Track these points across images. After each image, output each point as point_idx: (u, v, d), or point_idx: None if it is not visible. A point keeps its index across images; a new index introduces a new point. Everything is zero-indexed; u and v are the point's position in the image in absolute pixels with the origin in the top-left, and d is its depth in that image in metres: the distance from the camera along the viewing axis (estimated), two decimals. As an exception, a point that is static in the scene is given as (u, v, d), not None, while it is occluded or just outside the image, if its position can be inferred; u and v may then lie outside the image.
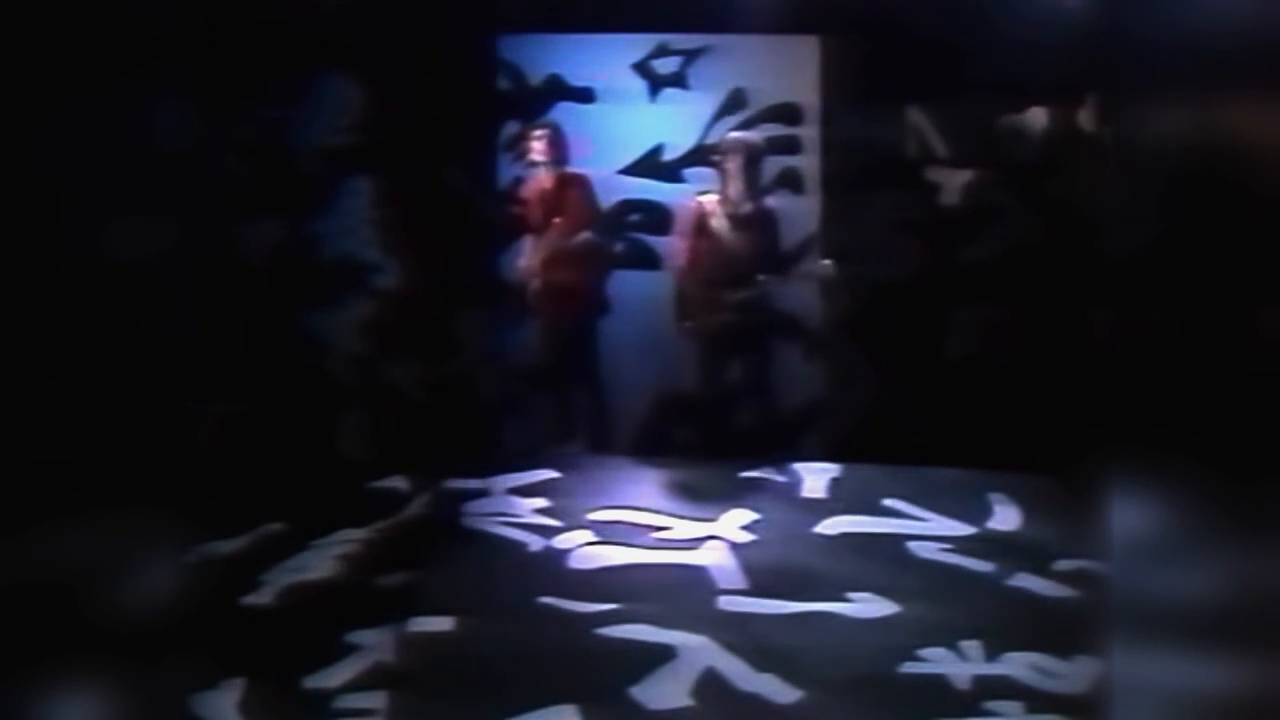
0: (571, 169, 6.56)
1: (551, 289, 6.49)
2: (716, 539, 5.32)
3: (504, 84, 6.83)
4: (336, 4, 6.51)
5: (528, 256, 6.56)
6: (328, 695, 3.99)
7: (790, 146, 6.76)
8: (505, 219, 6.71)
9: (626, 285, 6.74)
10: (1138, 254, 2.96)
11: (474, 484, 5.93)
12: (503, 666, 4.19)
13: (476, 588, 4.84)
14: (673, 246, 6.57)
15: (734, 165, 6.26)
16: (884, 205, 6.68)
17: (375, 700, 3.96)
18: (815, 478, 6.10)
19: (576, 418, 6.66)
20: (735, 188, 6.27)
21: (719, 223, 6.28)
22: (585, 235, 6.47)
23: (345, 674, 4.11)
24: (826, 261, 6.35)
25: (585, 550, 5.22)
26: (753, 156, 6.31)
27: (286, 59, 6.56)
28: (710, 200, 6.34)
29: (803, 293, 6.61)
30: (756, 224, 6.30)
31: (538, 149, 6.51)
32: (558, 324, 6.59)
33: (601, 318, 6.64)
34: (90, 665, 3.95)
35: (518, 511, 5.63)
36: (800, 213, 6.71)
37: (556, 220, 6.46)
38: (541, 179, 6.56)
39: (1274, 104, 2.74)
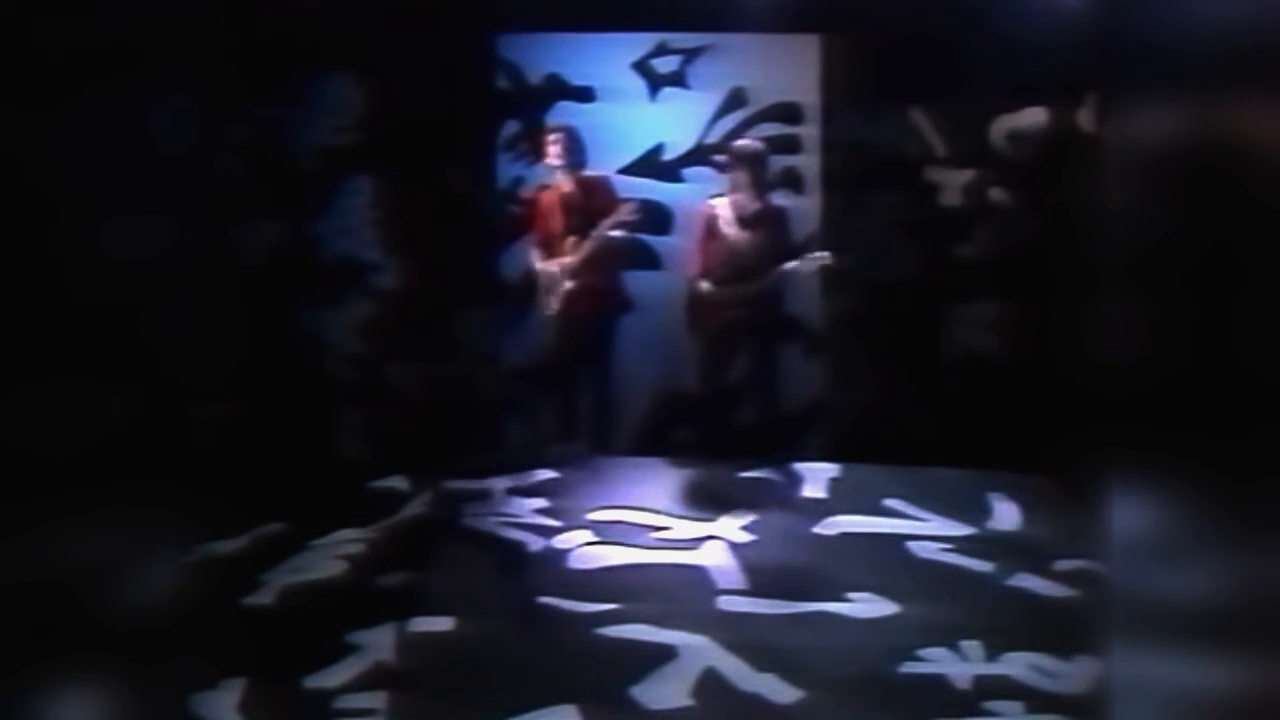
0: (591, 171, 6.55)
1: (584, 290, 6.47)
2: (716, 539, 5.32)
3: (504, 84, 6.83)
4: (336, 4, 6.51)
5: (555, 260, 6.50)
6: (328, 695, 3.99)
7: (790, 146, 6.76)
8: (506, 219, 6.70)
9: (627, 285, 6.73)
10: (1137, 254, 2.96)
11: (474, 484, 5.94)
12: (503, 666, 4.19)
13: (476, 588, 4.84)
14: (684, 252, 6.56)
15: (740, 172, 6.31)
16: (884, 205, 6.68)
17: (375, 700, 3.96)
18: (815, 478, 6.11)
19: (585, 418, 6.66)
20: (743, 191, 6.32)
21: (729, 225, 6.33)
22: (619, 233, 6.43)
23: (345, 674, 4.11)
24: (824, 254, 6.36)
25: (585, 550, 5.22)
26: (759, 163, 6.35)
27: (286, 59, 6.56)
28: (721, 203, 6.37)
29: (803, 292, 6.60)
30: (767, 221, 6.35)
31: (554, 153, 6.49)
32: (584, 324, 6.55)
33: (624, 316, 6.62)
34: (90, 665, 3.95)
35: (518, 511, 5.63)
36: (800, 212, 6.70)
37: (583, 222, 6.43)
38: (559, 182, 6.53)
39: (1274, 104, 2.74)
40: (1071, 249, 6.31)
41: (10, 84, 6.02)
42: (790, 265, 6.27)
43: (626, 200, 6.46)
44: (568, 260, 6.44)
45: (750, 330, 6.35)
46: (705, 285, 6.33)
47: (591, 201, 6.47)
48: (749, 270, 6.28)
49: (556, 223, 6.49)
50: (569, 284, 6.44)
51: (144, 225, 6.26)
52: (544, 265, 6.52)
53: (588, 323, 6.54)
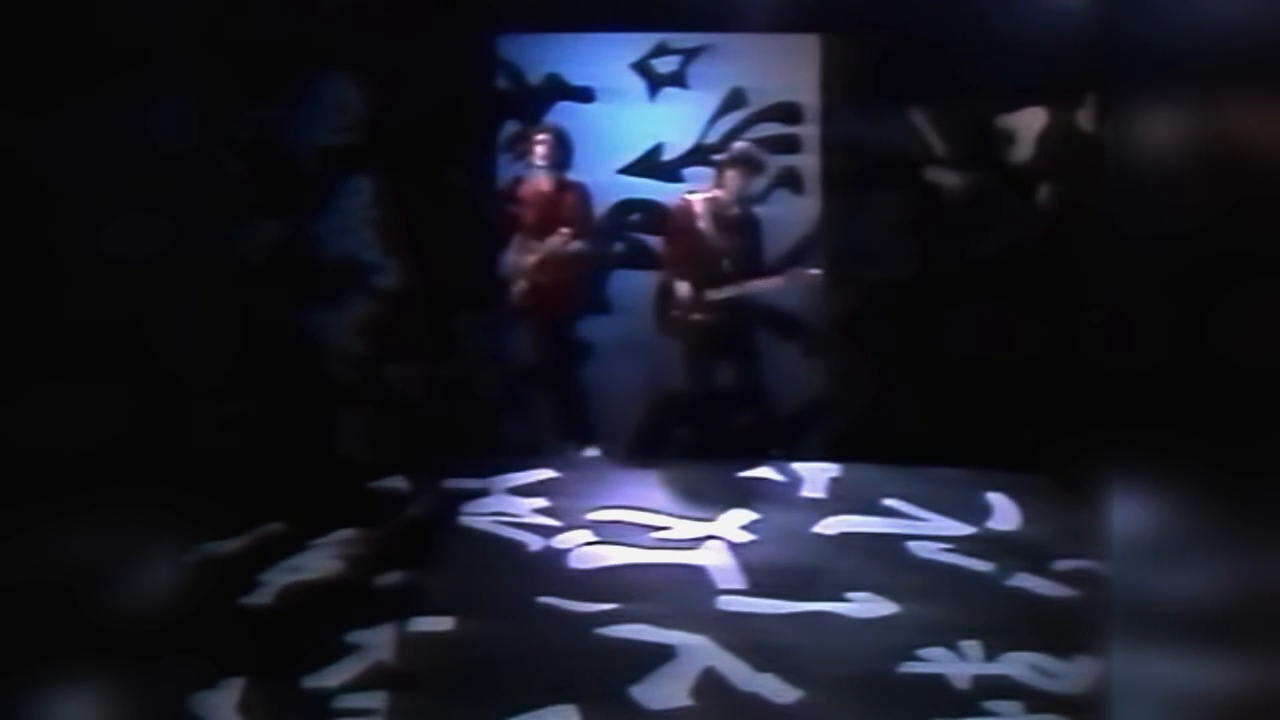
0: (570, 175, 6.57)
1: (538, 291, 6.51)
2: (716, 539, 5.32)
3: (504, 84, 6.83)
4: (336, 4, 6.51)
5: (518, 256, 6.56)
6: (328, 695, 3.99)
7: (790, 145, 6.76)
8: (502, 218, 6.71)
9: (625, 285, 6.74)
10: (1137, 254, 2.96)
11: (474, 484, 5.94)
12: (503, 666, 4.19)
13: (476, 588, 4.84)
14: (658, 243, 6.59)
15: (733, 174, 6.31)
16: (884, 205, 6.68)
17: (375, 700, 3.96)
18: (815, 478, 6.11)
19: (559, 417, 6.68)
20: (728, 193, 6.31)
21: (704, 223, 6.32)
22: (578, 244, 6.49)
23: (345, 674, 4.11)
24: (815, 270, 6.38)
25: (585, 550, 5.22)
26: (754, 170, 6.35)
27: (286, 59, 6.56)
28: (698, 199, 6.37)
29: (801, 292, 6.60)
30: (740, 228, 6.36)
31: (540, 153, 6.52)
32: (543, 325, 6.61)
33: (583, 319, 6.71)
34: (90, 665, 3.95)
35: (517, 511, 5.63)
36: (800, 212, 6.71)
37: (551, 224, 6.47)
38: (539, 181, 6.57)
39: (1274, 104, 2.74)
40: (1071, 249, 6.32)
41: (11, 84, 6.01)
42: (767, 282, 6.28)
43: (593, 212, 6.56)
44: (526, 260, 6.47)
45: (724, 333, 6.35)
46: (674, 282, 6.33)
47: (562, 206, 6.50)
48: (718, 274, 6.28)
49: (530, 220, 6.53)
50: (522, 284, 6.49)
51: (144, 225, 6.26)
52: (512, 258, 6.57)
53: (544, 322, 6.61)
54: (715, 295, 6.28)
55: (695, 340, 6.37)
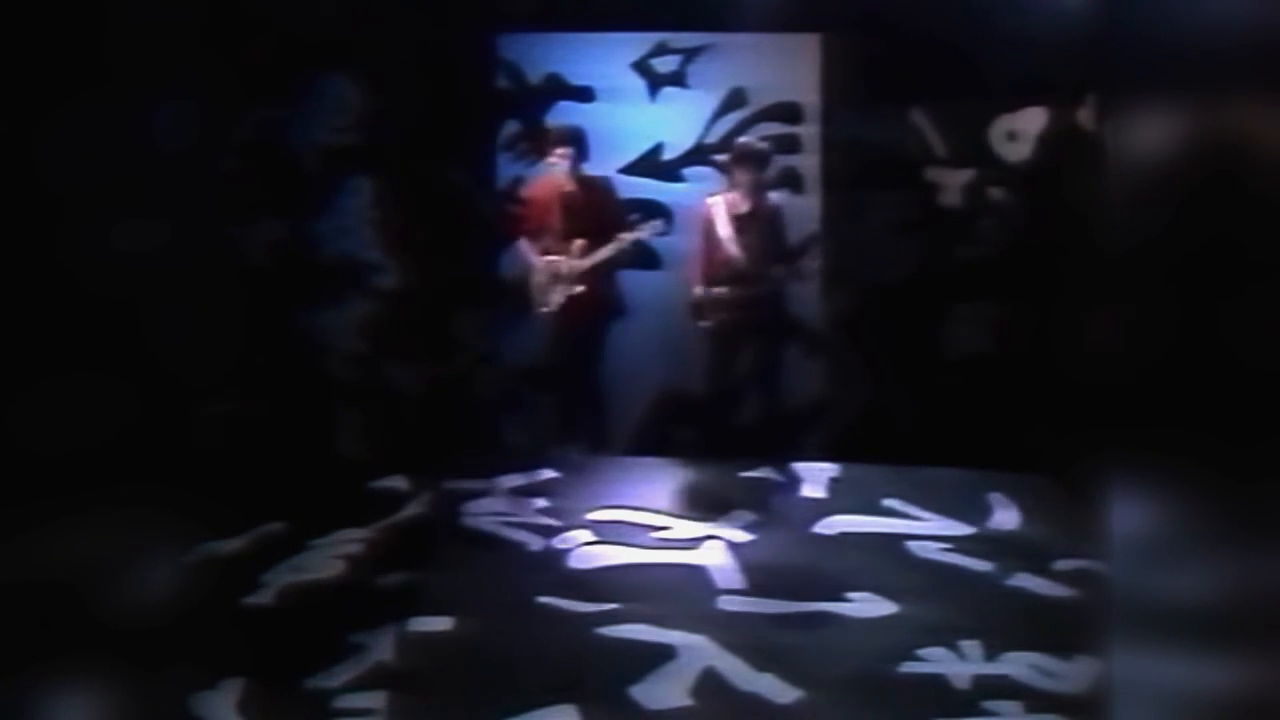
0: (592, 173, 6.53)
1: (587, 294, 6.46)
2: (716, 539, 5.32)
3: (504, 83, 6.83)
4: (336, 4, 6.51)
5: (551, 263, 6.48)
6: (328, 695, 3.99)
7: (790, 145, 6.76)
8: (505, 218, 6.70)
9: (628, 285, 6.74)
10: (1137, 254, 2.96)
11: (474, 484, 5.94)
12: (503, 666, 4.19)
13: (476, 588, 4.84)
14: (685, 250, 6.57)
15: (740, 171, 6.32)
16: (884, 205, 6.69)
17: (375, 700, 3.96)
18: (815, 478, 6.11)
19: (580, 419, 6.66)
20: (742, 190, 6.33)
21: (724, 225, 6.33)
22: (623, 241, 6.44)
23: (345, 674, 4.11)
24: (807, 258, 6.41)
25: (585, 550, 5.22)
26: (759, 163, 6.36)
27: (286, 59, 6.56)
28: (718, 202, 6.38)
29: (803, 292, 6.61)
30: (763, 222, 6.36)
31: (559, 154, 6.43)
32: (580, 327, 6.54)
33: (617, 320, 6.65)
34: (90, 665, 3.95)
35: (518, 511, 5.63)
36: (800, 212, 6.71)
37: (582, 226, 6.42)
38: (557, 181, 6.51)
39: (1274, 104, 2.74)
40: (1071, 249, 6.32)
41: (13, 85, 6.02)
42: (791, 266, 6.31)
43: (637, 214, 6.51)
44: (575, 264, 6.42)
45: (754, 331, 6.38)
46: (707, 286, 6.35)
47: (592, 203, 6.47)
48: (746, 271, 6.30)
49: (555, 220, 6.48)
50: (577, 288, 6.42)
51: (145, 225, 6.26)
52: (541, 260, 6.51)
53: (583, 325, 6.55)
54: (750, 292, 6.29)
55: (729, 340, 6.38)
